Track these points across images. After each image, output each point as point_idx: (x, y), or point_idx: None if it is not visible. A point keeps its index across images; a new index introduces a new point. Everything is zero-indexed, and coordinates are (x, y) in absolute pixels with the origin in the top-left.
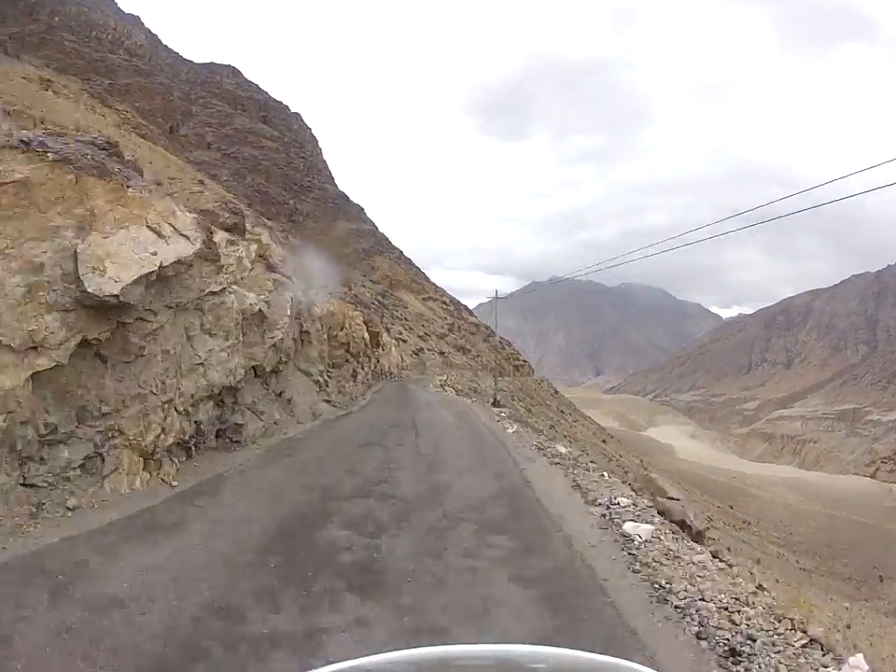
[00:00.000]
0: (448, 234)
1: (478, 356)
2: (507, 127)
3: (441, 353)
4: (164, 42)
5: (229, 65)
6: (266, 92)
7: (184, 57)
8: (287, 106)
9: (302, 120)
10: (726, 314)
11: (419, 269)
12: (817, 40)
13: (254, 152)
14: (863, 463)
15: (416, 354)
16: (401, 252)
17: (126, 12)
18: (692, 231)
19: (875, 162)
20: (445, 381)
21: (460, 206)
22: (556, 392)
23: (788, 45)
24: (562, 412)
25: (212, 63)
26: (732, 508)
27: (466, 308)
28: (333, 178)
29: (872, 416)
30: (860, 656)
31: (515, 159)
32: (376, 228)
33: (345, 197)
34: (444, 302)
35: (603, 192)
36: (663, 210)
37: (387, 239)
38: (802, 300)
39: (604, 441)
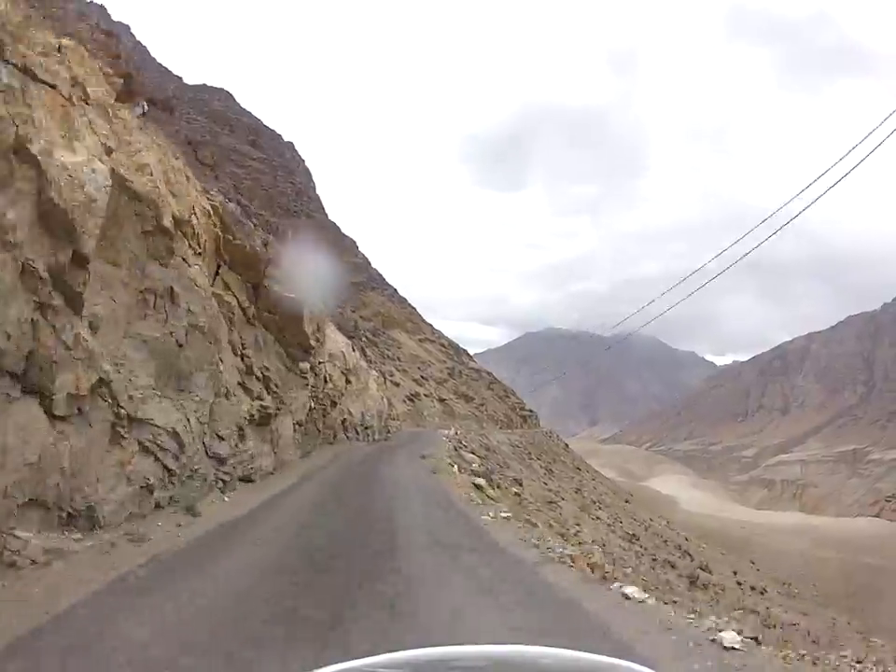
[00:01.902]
0: (442, 284)
1: (482, 404)
2: (503, 177)
3: (442, 400)
4: (153, 55)
5: (222, 89)
6: (259, 119)
7: (173, 73)
8: (280, 135)
9: (295, 150)
10: (721, 361)
11: (414, 308)
12: (815, 78)
13: (236, 170)
14: (867, 503)
15: (411, 400)
16: (395, 290)
17: (115, 20)
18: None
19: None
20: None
21: (454, 256)
22: (567, 446)
23: (786, 84)
24: (578, 469)
25: (204, 84)
26: (753, 563)
27: (466, 352)
28: (324, 209)
29: (873, 456)
30: None
31: (510, 209)
32: (369, 263)
33: (336, 227)
34: (443, 345)
35: (597, 242)
36: (656, 259)
37: (381, 275)
38: (798, 344)
39: (627, 502)
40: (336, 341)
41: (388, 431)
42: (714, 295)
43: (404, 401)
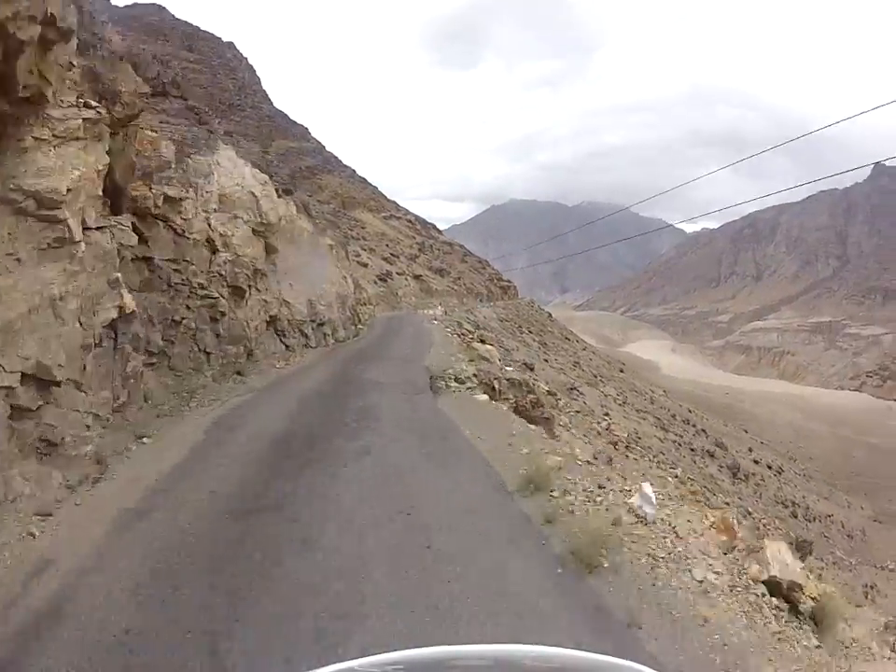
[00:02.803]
0: (405, 166)
1: (459, 278)
2: (461, 56)
3: (417, 277)
4: None
5: (154, 3)
6: (196, 27)
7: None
8: (220, 38)
9: (237, 49)
10: (691, 229)
11: (376, 187)
12: None
13: (168, 72)
14: (847, 377)
15: (382, 280)
16: (354, 171)
17: None
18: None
19: (841, 86)
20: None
21: (416, 138)
22: (551, 315)
23: None
24: (567, 339)
25: (136, 3)
26: (747, 432)
27: (434, 227)
28: (270, 99)
29: (850, 330)
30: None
31: (470, 87)
32: (323, 147)
33: (285, 115)
34: (409, 221)
35: (558, 115)
36: (619, 130)
37: (337, 158)
38: (769, 214)
39: (621, 371)
40: (232, 173)
41: (359, 322)
42: (683, 168)
43: (375, 282)
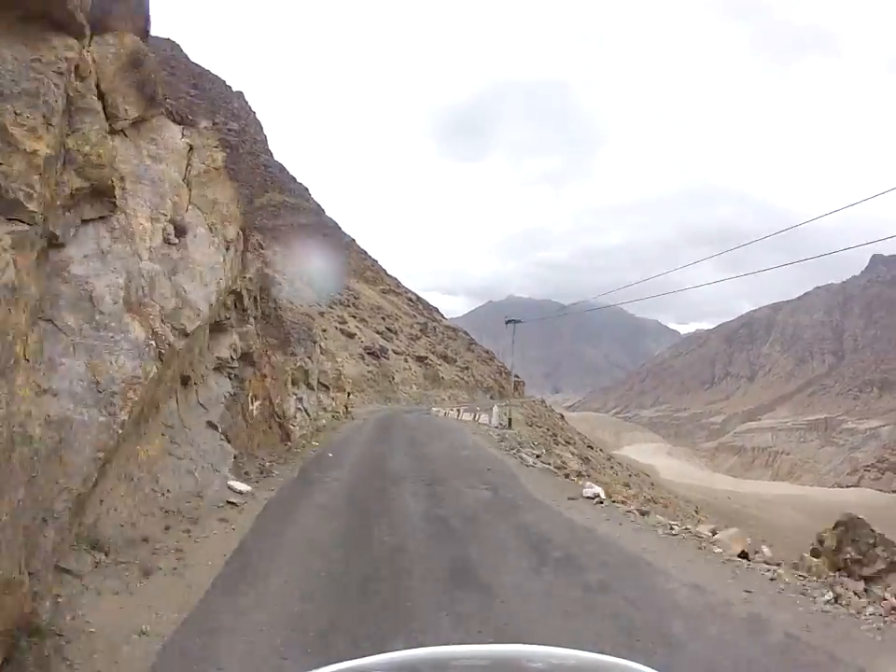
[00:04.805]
0: (404, 255)
1: (466, 367)
2: (465, 148)
3: (421, 359)
4: None
5: (169, 40)
6: (207, 69)
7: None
8: (230, 85)
9: (245, 100)
10: (685, 329)
11: (376, 261)
12: (784, 57)
13: (164, 93)
14: (844, 472)
15: (373, 356)
16: (354, 240)
17: None
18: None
19: (834, 182)
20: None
21: (416, 228)
22: (563, 417)
23: (755, 62)
24: (590, 447)
25: (152, 35)
26: (765, 542)
27: (437, 310)
28: (270, 151)
29: (847, 425)
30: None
31: (472, 180)
32: (323, 210)
33: (284, 170)
34: (411, 299)
35: (558, 213)
36: (616, 230)
37: (337, 224)
38: (764, 313)
39: (636, 475)
40: None
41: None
42: (680, 268)
43: (361, 358)
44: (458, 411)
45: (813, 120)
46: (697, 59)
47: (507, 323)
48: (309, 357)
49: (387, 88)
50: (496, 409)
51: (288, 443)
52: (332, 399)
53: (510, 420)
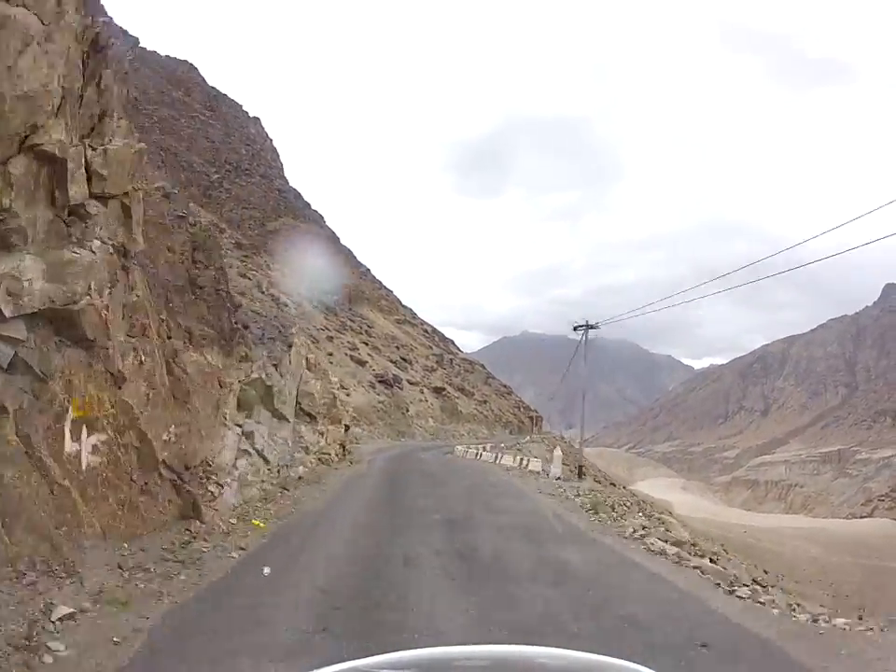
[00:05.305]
0: (419, 290)
1: (485, 401)
2: (482, 184)
3: (439, 390)
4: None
5: (187, 62)
6: (224, 93)
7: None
8: (246, 111)
9: (261, 126)
10: (698, 365)
11: (391, 291)
12: (796, 88)
13: (177, 116)
14: (858, 503)
15: (385, 384)
16: (369, 269)
17: None
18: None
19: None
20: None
21: (432, 262)
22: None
23: (765, 94)
24: (613, 485)
25: (169, 56)
26: (783, 577)
27: (453, 342)
28: (285, 177)
29: (860, 456)
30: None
31: (489, 216)
32: (337, 238)
33: (299, 195)
34: (426, 331)
35: (574, 250)
36: (632, 266)
37: (352, 252)
38: (777, 347)
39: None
40: None
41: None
42: (694, 304)
43: (370, 387)
44: (488, 449)
45: (828, 152)
46: (712, 92)
47: (574, 329)
48: (275, 367)
49: (406, 120)
50: (557, 453)
51: (190, 530)
52: (320, 433)
53: (580, 468)
